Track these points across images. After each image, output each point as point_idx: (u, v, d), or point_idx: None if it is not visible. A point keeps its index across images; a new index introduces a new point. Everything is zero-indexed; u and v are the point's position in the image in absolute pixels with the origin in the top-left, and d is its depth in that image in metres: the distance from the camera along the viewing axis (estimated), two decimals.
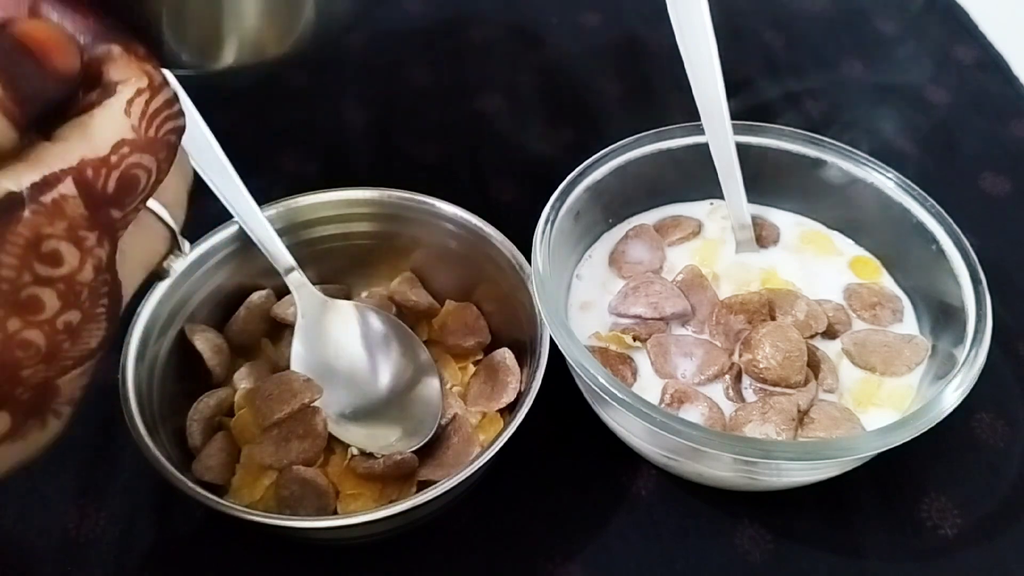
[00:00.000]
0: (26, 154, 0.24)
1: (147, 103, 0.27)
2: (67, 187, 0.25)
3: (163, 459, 0.37)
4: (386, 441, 0.41)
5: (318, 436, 0.40)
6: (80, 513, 0.42)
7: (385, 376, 0.43)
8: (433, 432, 0.42)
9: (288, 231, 0.46)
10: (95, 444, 0.44)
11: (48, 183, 0.24)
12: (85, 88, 0.27)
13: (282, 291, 0.47)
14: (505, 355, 0.44)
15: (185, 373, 0.44)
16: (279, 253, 0.43)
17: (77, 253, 0.25)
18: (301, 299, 0.43)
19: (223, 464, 0.40)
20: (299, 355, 0.43)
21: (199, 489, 0.36)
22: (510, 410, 0.42)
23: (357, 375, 0.43)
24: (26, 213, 0.24)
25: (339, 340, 0.44)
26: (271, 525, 0.36)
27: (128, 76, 0.27)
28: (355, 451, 0.41)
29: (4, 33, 0.25)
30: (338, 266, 0.48)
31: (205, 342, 0.44)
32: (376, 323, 0.44)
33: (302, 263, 0.47)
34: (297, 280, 0.44)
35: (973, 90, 0.64)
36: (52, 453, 0.44)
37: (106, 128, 0.26)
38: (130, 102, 0.26)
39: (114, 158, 0.26)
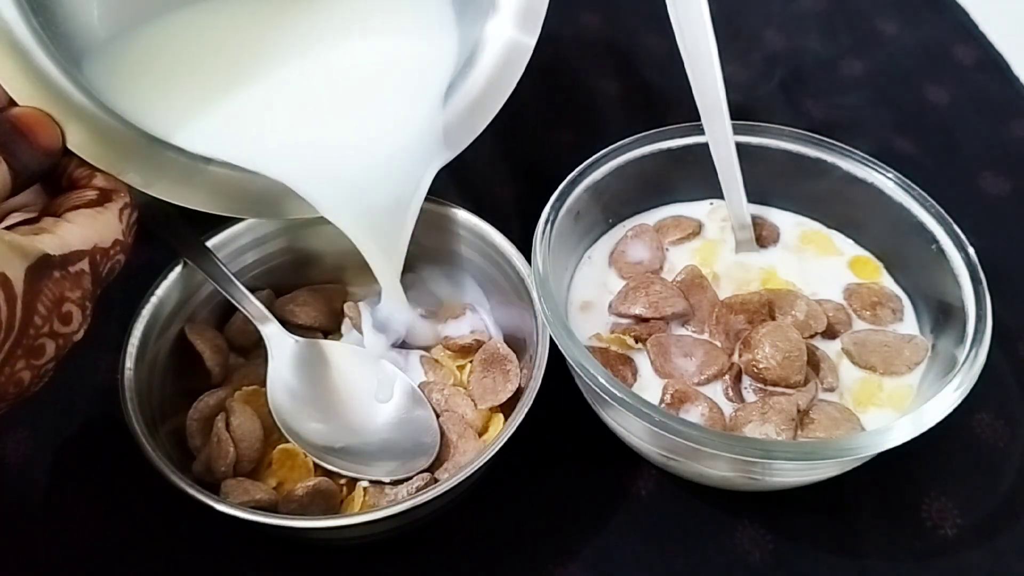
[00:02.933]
0: (50, 228, 0.32)
1: (130, 215, 0.35)
2: (85, 264, 0.32)
3: (163, 459, 0.37)
4: (391, 468, 0.41)
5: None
6: (80, 513, 0.42)
7: (372, 407, 0.43)
8: (437, 447, 0.41)
9: (288, 231, 0.46)
10: (95, 444, 0.44)
11: (74, 257, 0.32)
12: (76, 186, 0.34)
13: (281, 291, 0.47)
14: (498, 345, 0.44)
15: (185, 373, 0.44)
16: (255, 309, 0.43)
17: (80, 318, 0.32)
18: (274, 347, 0.43)
19: (223, 464, 0.40)
20: (280, 404, 0.42)
21: (199, 489, 0.36)
22: (511, 408, 0.42)
23: (346, 411, 0.43)
24: (56, 274, 0.31)
25: (322, 381, 0.43)
26: (271, 525, 0.36)
27: (118, 187, 0.35)
28: (366, 483, 0.41)
29: (2, 117, 0.32)
30: (338, 265, 0.48)
31: (205, 342, 0.44)
32: (353, 357, 0.44)
33: (302, 262, 0.48)
34: (272, 330, 0.43)
35: (973, 90, 0.64)
36: (52, 452, 0.44)
37: (110, 227, 0.34)
38: (122, 211, 0.34)
39: (112, 252, 0.34)
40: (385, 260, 0.39)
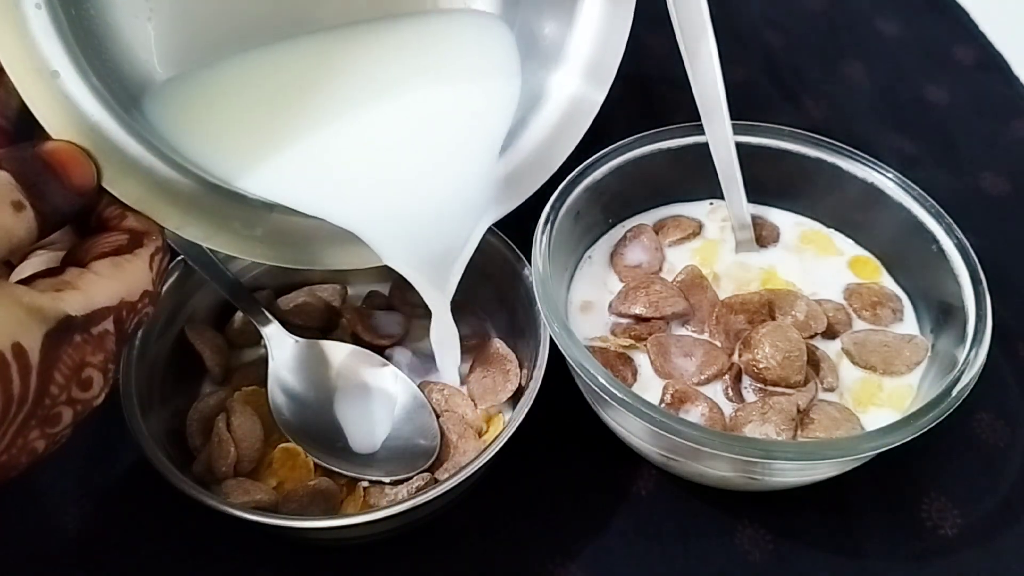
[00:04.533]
0: (74, 282, 0.28)
1: (161, 261, 0.32)
2: (109, 324, 0.29)
3: (163, 459, 0.37)
4: (391, 468, 0.41)
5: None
6: (80, 513, 0.42)
7: (373, 407, 0.43)
8: (437, 449, 0.41)
9: None
10: (95, 444, 0.44)
11: (98, 316, 0.28)
12: (106, 226, 0.31)
13: (281, 291, 0.47)
14: (497, 345, 0.44)
15: (185, 373, 0.44)
16: (255, 309, 0.43)
17: (101, 382, 0.29)
18: (274, 347, 0.43)
19: (223, 464, 0.40)
20: (280, 404, 0.42)
21: (199, 489, 0.36)
22: (511, 406, 0.42)
23: (342, 412, 0.43)
24: (77, 338, 0.27)
25: (322, 381, 0.43)
26: (271, 525, 0.36)
27: (150, 230, 0.32)
28: (366, 483, 0.41)
29: (32, 152, 0.29)
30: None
31: (205, 342, 0.44)
32: (353, 357, 0.44)
33: None
34: (272, 330, 0.43)
35: (973, 90, 0.64)
36: (52, 453, 0.44)
37: (138, 277, 0.30)
38: (152, 257, 0.31)
39: (139, 305, 0.30)
40: (438, 297, 0.39)
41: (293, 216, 0.36)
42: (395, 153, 0.37)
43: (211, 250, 0.43)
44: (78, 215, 0.31)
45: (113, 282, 0.29)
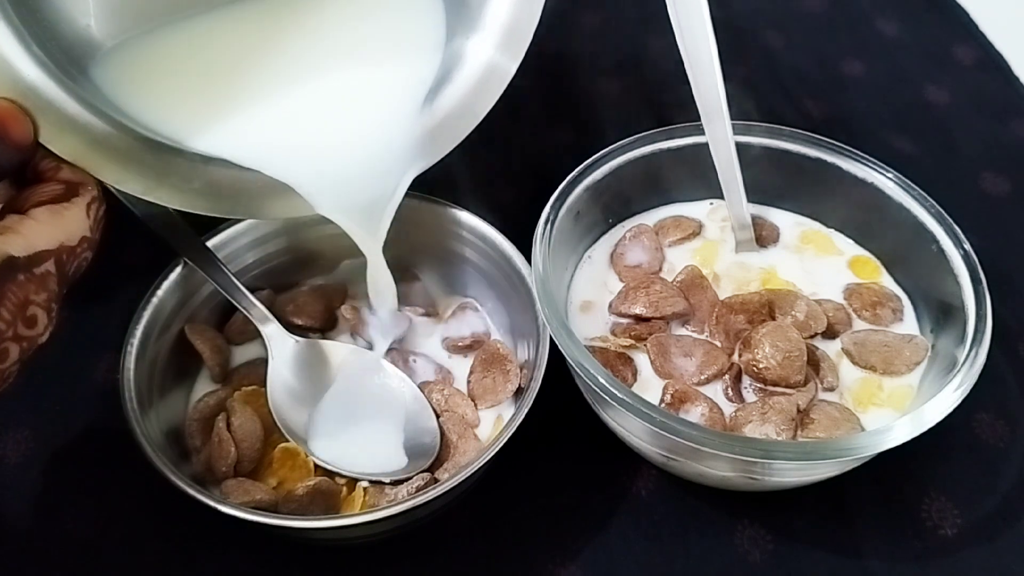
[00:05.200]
0: (15, 227, 0.30)
1: (98, 209, 0.34)
2: (50, 265, 0.31)
3: (163, 459, 0.37)
4: (392, 467, 0.41)
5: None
6: (80, 513, 0.42)
7: (370, 407, 0.43)
8: (437, 448, 0.42)
9: (289, 230, 0.46)
10: (95, 444, 0.44)
11: (39, 258, 0.30)
12: (41, 178, 0.33)
13: (281, 290, 0.47)
14: (498, 345, 0.44)
15: (185, 373, 0.44)
16: (255, 309, 0.43)
17: (45, 320, 0.31)
18: (274, 347, 0.43)
19: (223, 464, 0.40)
20: (280, 404, 0.42)
21: (199, 489, 0.36)
22: (511, 406, 0.42)
23: (343, 412, 0.43)
24: (21, 277, 0.30)
25: (322, 381, 0.43)
26: (271, 525, 0.36)
27: (85, 180, 0.33)
28: (366, 483, 0.41)
29: None
30: (337, 264, 0.48)
31: (205, 342, 0.44)
32: (352, 357, 0.44)
33: (302, 262, 0.48)
34: (272, 330, 0.43)
35: (973, 90, 0.64)
36: (52, 452, 0.44)
37: (76, 223, 0.32)
38: (89, 205, 0.33)
39: (79, 249, 0.32)
40: (370, 241, 0.40)
41: (230, 169, 0.37)
42: (325, 109, 0.39)
43: (212, 251, 0.43)
44: (16, 169, 0.32)
45: (52, 227, 0.31)
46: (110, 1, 0.36)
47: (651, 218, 0.49)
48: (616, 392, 0.37)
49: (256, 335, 0.44)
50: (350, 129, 0.39)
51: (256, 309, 0.43)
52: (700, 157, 0.46)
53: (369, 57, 0.40)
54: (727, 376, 0.41)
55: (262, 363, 0.43)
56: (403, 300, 0.47)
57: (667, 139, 0.47)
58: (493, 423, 0.43)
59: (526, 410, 0.38)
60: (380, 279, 0.42)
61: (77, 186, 0.33)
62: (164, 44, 0.38)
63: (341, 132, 0.39)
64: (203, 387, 0.44)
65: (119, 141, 0.35)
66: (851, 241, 0.48)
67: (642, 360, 0.43)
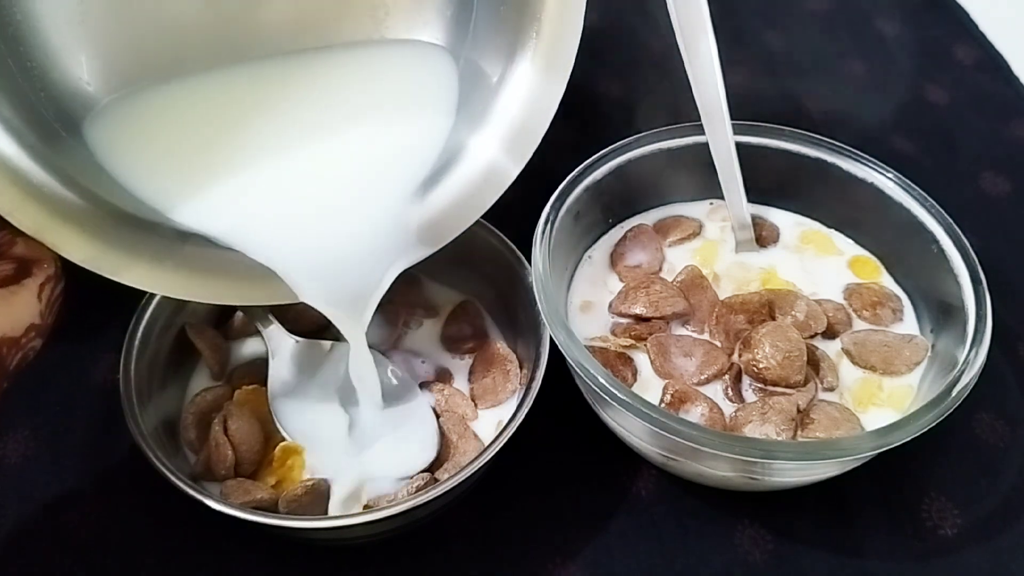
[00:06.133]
0: None
1: (52, 289, 0.30)
2: None
3: (164, 460, 0.37)
4: (391, 468, 0.41)
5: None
6: (80, 513, 0.42)
7: (372, 407, 0.42)
8: (437, 448, 0.41)
9: None
10: (95, 444, 0.44)
11: None
12: None
13: None
14: (498, 346, 0.44)
15: (185, 372, 0.44)
16: (255, 309, 0.43)
17: None
18: (274, 347, 0.43)
19: (222, 468, 0.40)
20: (280, 404, 0.42)
21: (199, 489, 0.36)
22: (512, 406, 0.42)
23: (343, 412, 0.42)
24: None
25: (320, 381, 0.43)
26: (271, 525, 0.36)
27: (40, 257, 0.30)
28: (364, 485, 0.40)
29: None
30: None
31: (205, 341, 0.44)
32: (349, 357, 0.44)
33: None
34: (272, 330, 0.43)
35: (973, 90, 0.64)
36: (52, 452, 0.44)
37: (23, 310, 0.29)
38: (42, 286, 0.29)
39: (24, 340, 0.29)
40: (354, 330, 0.38)
41: (208, 249, 0.35)
42: (318, 190, 0.37)
43: None
44: None
45: None
46: (103, 54, 0.35)
47: (651, 218, 0.49)
48: (616, 392, 0.37)
49: (256, 333, 0.44)
50: (339, 215, 0.37)
51: (256, 309, 0.43)
52: (700, 157, 0.46)
53: (366, 139, 0.38)
54: (727, 376, 0.41)
55: (262, 362, 0.43)
56: (403, 300, 0.47)
57: (667, 139, 0.47)
58: (493, 423, 0.43)
59: (526, 410, 0.38)
60: (363, 366, 0.40)
61: (31, 264, 0.30)
62: (157, 103, 0.36)
63: (330, 217, 0.37)
64: (200, 383, 0.44)
65: (89, 214, 0.33)
66: (851, 241, 0.48)
67: (642, 360, 0.43)
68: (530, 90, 0.38)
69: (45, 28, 0.33)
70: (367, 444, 0.41)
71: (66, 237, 0.31)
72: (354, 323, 0.38)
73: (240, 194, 0.36)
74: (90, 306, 0.38)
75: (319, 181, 0.37)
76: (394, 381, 0.44)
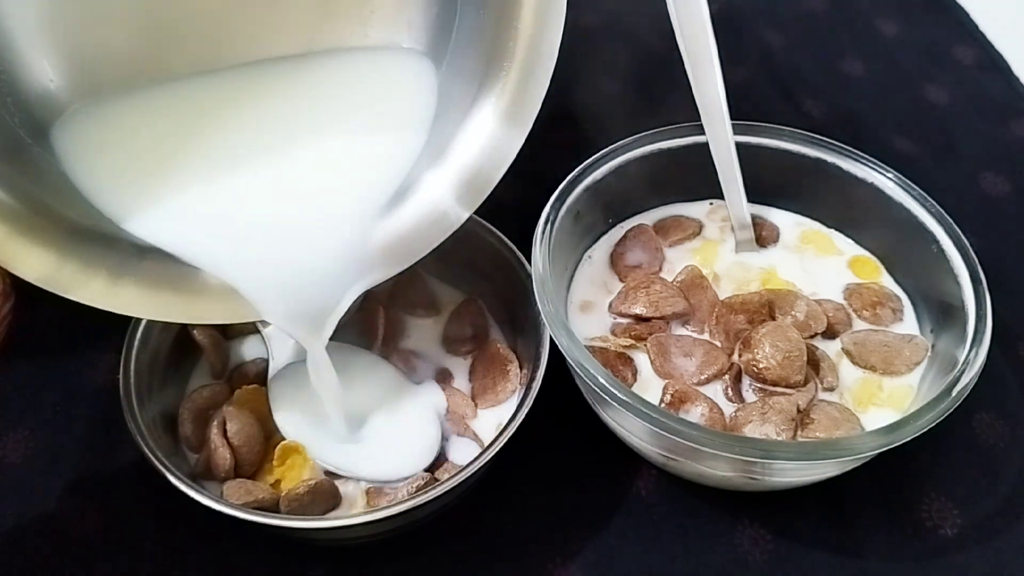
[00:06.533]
0: None
1: (1, 307, 0.29)
2: None
3: (163, 459, 0.37)
4: (391, 468, 0.41)
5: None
6: (80, 513, 0.42)
7: (370, 408, 0.43)
8: (437, 449, 0.42)
9: None
10: (95, 444, 0.44)
11: None
12: None
13: None
14: (497, 346, 0.44)
15: (185, 372, 0.44)
16: None
17: None
18: (274, 347, 0.42)
19: (221, 471, 0.40)
20: (281, 404, 0.42)
21: (199, 489, 0.36)
22: (512, 406, 0.42)
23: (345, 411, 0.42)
24: None
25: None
26: (271, 525, 0.36)
27: None
28: (364, 485, 0.41)
29: None
30: None
31: (206, 336, 0.44)
32: (353, 358, 0.44)
33: None
34: (272, 330, 0.43)
35: (973, 90, 0.64)
36: (52, 452, 0.44)
37: None
38: None
39: None
40: (315, 345, 0.38)
41: (167, 265, 0.35)
42: (282, 205, 0.36)
43: None
44: None
45: None
46: (73, 57, 0.34)
47: (651, 218, 0.49)
48: (616, 392, 0.37)
49: (256, 333, 0.44)
50: (303, 231, 0.37)
51: None
52: (700, 157, 0.46)
53: (335, 153, 0.37)
54: (727, 376, 0.41)
55: (262, 362, 0.43)
56: (404, 299, 0.47)
57: (667, 139, 0.47)
58: (493, 423, 0.43)
59: (526, 410, 0.38)
60: (324, 380, 0.39)
61: None
62: (126, 110, 0.35)
63: (293, 233, 0.36)
64: (200, 382, 0.44)
65: (43, 229, 0.32)
66: (851, 241, 0.48)
67: (642, 360, 0.43)
68: (490, 137, 0.38)
69: (11, 29, 0.33)
70: (367, 444, 0.41)
71: (18, 254, 0.31)
72: (314, 339, 0.37)
73: (202, 207, 0.35)
74: (90, 306, 0.38)
75: (284, 195, 0.36)
76: (394, 381, 0.44)
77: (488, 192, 0.38)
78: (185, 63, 0.36)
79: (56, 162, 0.33)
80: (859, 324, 0.45)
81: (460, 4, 0.38)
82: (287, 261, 0.36)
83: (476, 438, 0.42)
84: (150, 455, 0.37)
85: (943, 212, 0.44)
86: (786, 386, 0.40)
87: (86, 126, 0.35)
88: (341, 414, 0.40)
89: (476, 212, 0.45)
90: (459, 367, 0.45)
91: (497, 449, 0.37)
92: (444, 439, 0.42)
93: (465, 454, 0.41)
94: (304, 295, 0.36)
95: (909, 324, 0.45)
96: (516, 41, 0.36)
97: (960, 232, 0.43)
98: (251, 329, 0.44)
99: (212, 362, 0.44)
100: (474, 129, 0.38)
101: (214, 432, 0.40)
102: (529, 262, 0.42)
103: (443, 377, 0.45)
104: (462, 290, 0.48)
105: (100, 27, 0.35)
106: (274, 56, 0.38)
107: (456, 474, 0.36)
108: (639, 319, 0.44)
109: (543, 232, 0.43)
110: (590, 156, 0.46)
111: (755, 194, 0.47)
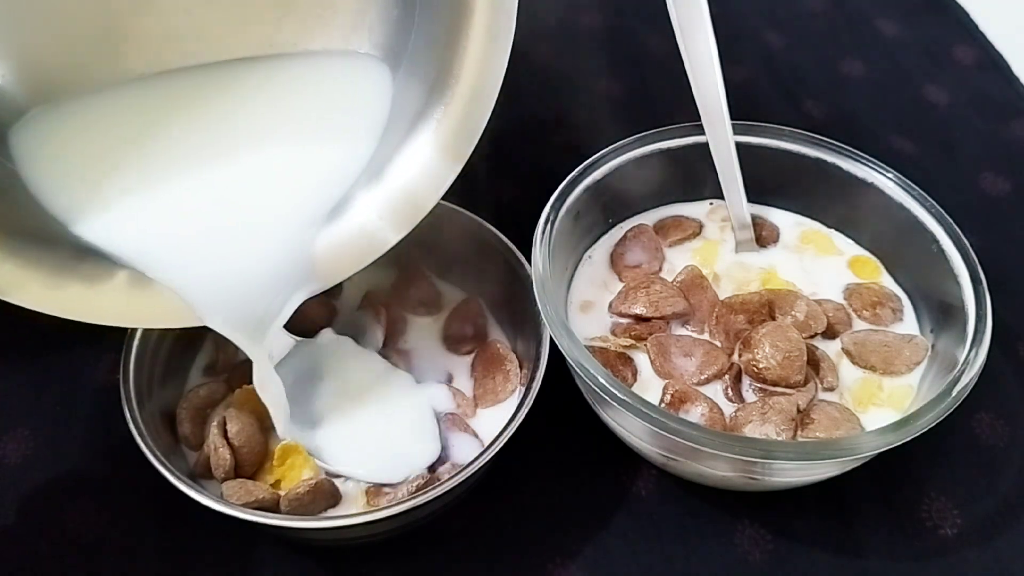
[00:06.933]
0: None
1: None
2: None
3: (163, 459, 0.37)
4: (392, 467, 0.41)
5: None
6: (80, 513, 0.42)
7: (371, 408, 0.43)
8: (437, 448, 0.42)
9: None
10: (95, 444, 0.44)
11: None
12: None
13: None
14: (498, 345, 0.44)
15: (185, 371, 0.44)
16: None
17: None
18: (274, 347, 0.42)
19: (220, 472, 0.40)
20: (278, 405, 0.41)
21: (199, 489, 0.36)
22: (512, 406, 0.42)
23: (343, 412, 0.42)
24: None
25: (321, 381, 0.43)
26: (271, 525, 0.36)
27: None
28: (364, 485, 0.41)
29: None
30: None
31: (207, 332, 0.44)
32: (353, 357, 0.44)
33: None
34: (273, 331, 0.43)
35: (973, 90, 0.64)
36: (52, 452, 0.44)
37: None
38: None
39: None
40: (257, 351, 0.37)
41: (107, 269, 0.35)
42: (226, 210, 0.36)
43: None
44: None
45: None
46: (24, 62, 0.34)
47: (651, 218, 0.49)
48: (616, 392, 0.37)
49: None
50: (246, 237, 0.36)
51: None
52: (700, 157, 0.46)
53: (282, 159, 0.37)
54: (727, 376, 0.41)
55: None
56: (406, 297, 0.47)
57: (667, 139, 0.47)
58: (493, 423, 0.43)
59: (526, 410, 0.38)
60: (268, 386, 0.38)
61: None
62: (81, 113, 0.35)
63: (236, 239, 0.36)
64: (197, 378, 0.44)
65: None
66: (851, 241, 0.48)
67: (642, 360, 0.43)
68: (425, 164, 0.38)
69: None
70: (367, 444, 0.41)
71: None
72: (256, 347, 0.37)
73: (145, 210, 0.35)
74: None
75: (229, 200, 0.36)
76: (394, 380, 0.44)
77: (420, 218, 0.38)
78: (142, 64, 0.36)
79: (6, 164, 0.33)
80: (859, 324, 0.45)
81: (418, 10, 0.38)
82: (230, 267, 0.36)
83: (477, 437, 0.42)
84: (150, 456, 0.37)
85: (943, 212, 0.44)
86: (786, 386, 0.40)
87: (42, 129, 0.35)
88: (286, 420, 0.40)
89: (476, 212, 0.45)
90: (459, 366, 0.45)
91: (497, 449, 0.37)
92: (444, 438, 0.42)
93: (465, 453, 0.41)
94: (246, 302, 0.36)
95: (909, 324, 0.45)
96: (462, 67, 0.36)
97: (960, 232, 0.43)
98: None
99: (214, 354, 0.44)
100: (411, 153, 0.38)
101: (214, 433, 0.40)
102: (529, 262, 0.42)
103: (443, 376, 0.45)
104: (462, 289, 0.48)
105: (53, 29, 0.35)
106: (233, 58, 0.38)
107: (456, 474, 0.36)
108: (639, 319, 0.44)
109: (543, 232, 0.43)
110: (590, 156, 0.46)
111: (755, 194, 0.47)
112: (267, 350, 0.38)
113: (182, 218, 0.36)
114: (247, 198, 0.37)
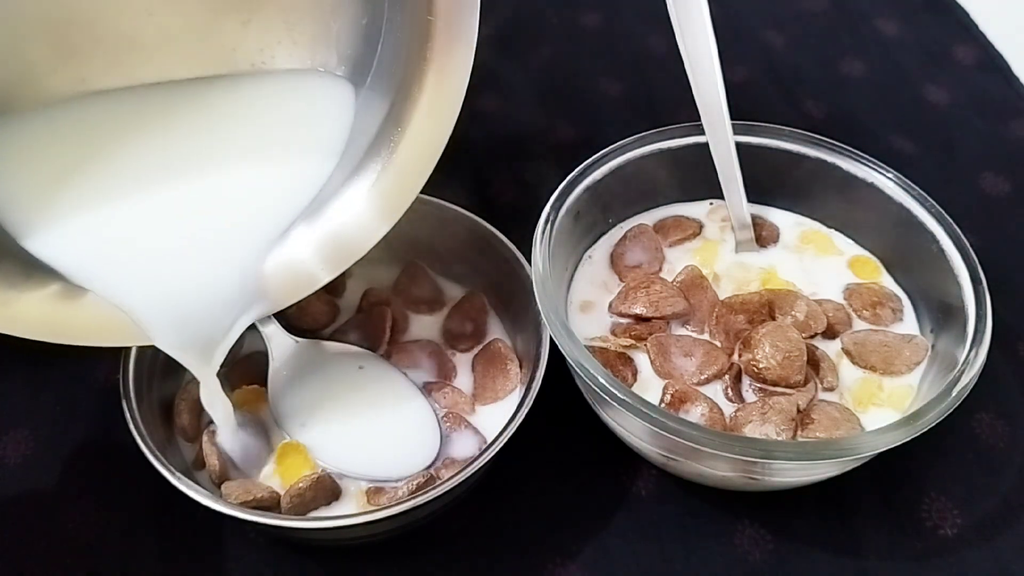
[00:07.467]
0: None
1: None
2: None
3: (163, 459, 0.37)
4: (391, 468, 0.41)
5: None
6: (81, 513, 0.42)
7: (371, 407, 0.43)
8: (437, 448, 0.42)
9: None
10: (95, 444, 0.44)
11: None
12: None
13: None
14: (498, 344, 0.44)
15: (185, 371, 0.44)
16: None
17: None
18: (274, 347, 0.42)
19: (212, 473, 0.40)
20: (280, 404, 0.42)
21: (199, 489, 0.36)
22: (512, 406, 0.42)
23: (343, 412, 0.42)
24: None
25: (322, 381, 0.43)
26: (271, 525, 0.36)
27: None
28: (364, 485, 0.41)
29: None
30: None
31: None
32: (353, 358, 0.44)
33: None
34: (272, 330, 0.42)
35: (973, 90, 0.64)
36: (52, 452, 0.44)
37: None
38: None
39: None
40: (204, 371, 0.37)
41: (55, 286, 0.34)
42: (176, 230, 0.36)
43: None
44: None
45: None
46: None
47: (651, 218, 0.49)
48: (616, 392, 0.37)
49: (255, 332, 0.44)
50: (196, 258, 0.36)
51: None
52: (700, 157, 0.46)
53: (236, 180, 0.37)
54: (727, 376, 0.41)
55: (262, 362, 0.43)
56: (409, 296, 0.47)
57: (667, 139, 0.47)
58: (494, 422, 0.43)
59: (526, 410, 0.38)
60: (216, 404, 0.39)
61: None
62: (40, 127, 0.35)
63: (186, 260, 0.36)
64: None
65: None
66: (851, 241, 0.48)
67: (642, 360, 0.43)
68: (357, 216, 0.38)
69: None
70: (367, 444, 0.42)
71: None
72: (204, 368, 0.37)
73: (96, 228, 0.35)
74: None
75: (180, 220, 0.36)
76: (394, 380, 0.44)
77: (350, 263, 0.38)
78: (99, 79, 0.36)
79: None
80: (859, 324, 0.45)
81: (386, 18, 0.38)
82: (178, 288, 0.36)
83: (478, 432, 0.42)
84: (150, 456, 0.37)
85: (943, 212, 0.44)
86: (786, 386, 0.40)
87: (2, 140, 0.34)
88: (235, 442, 0.40)
89: (476, 212, 0.45)
90: (459, 364, 0.45)
91: (497, 449, 0.37)
92: (445, 435, 0.42)
93: (467, 449, 0.41)
94: (194, 323, 0.36)
95: (909, 324, 0.45)
96: (412, 111, 0.36)
97: (960, 232, 0.43)
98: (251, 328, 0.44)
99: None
100: (349, 199, 0.38)
101: (205, 441, 0.40)
102: (529, 262, 0.42)
103: (443, 375, 0.45)
104: (462, 290, 0.48)
105: (6, 40, 0.34)
106: (196, 72, 0.38)
107: (456, 474, 0.36)
108: (639, 319, 0.44)
109: (543, 232, 0.43)
110: (590, 156, 0.46)
111: (755, 194, 0.47)
112: (214, 370, 0.37)
113: (133, 237, 0.36)
114: (200, 218, 0.37)
